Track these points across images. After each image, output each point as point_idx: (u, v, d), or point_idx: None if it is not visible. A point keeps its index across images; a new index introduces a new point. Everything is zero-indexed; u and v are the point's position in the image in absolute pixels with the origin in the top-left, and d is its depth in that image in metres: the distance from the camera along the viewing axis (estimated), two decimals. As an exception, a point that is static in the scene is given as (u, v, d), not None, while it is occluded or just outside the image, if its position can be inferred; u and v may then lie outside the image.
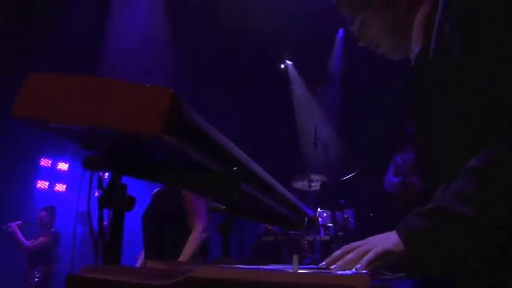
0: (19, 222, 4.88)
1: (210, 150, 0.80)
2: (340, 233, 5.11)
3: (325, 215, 5.49)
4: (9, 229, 4.78)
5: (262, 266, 0.89)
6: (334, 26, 7.06)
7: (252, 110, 6.79)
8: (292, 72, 7.65)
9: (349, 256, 0.88)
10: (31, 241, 4.82)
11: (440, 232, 0.84)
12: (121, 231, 0.96)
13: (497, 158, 0.81)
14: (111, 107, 0.64)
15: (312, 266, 0.99)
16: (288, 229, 4.70)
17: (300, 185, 5.63)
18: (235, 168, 0.87)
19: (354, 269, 0.82)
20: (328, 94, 7.40)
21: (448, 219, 0.83)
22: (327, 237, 5.20)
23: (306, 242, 5.24)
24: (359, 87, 6.74)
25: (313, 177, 5.52)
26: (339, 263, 0.87)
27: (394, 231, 0.90)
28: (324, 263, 0.91)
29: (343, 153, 6.58)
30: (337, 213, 5.31)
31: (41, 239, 4.83)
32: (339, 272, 0.60)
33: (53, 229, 4.99)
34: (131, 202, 0.98)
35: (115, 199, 0.93)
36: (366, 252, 0.87)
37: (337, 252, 0.91)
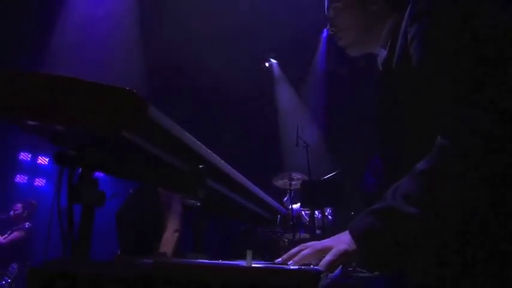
0: (-5, 216, 4.82)
1: (176, 149, 0.83)
2: (318, 231, 5.18)
3: (304, 213, 5.55)
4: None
5: (221, 262, 0.92)
6: (319, 25, 7.11)
7: (234, 108, 6.80)
8: (277, 71, 7.69)
9: (305, 252, 0.91)
10: (4, 236, 4.75)
11: (388, 231, 0.88)
12: (90, 226, 0.98)
13: (441, 160, 0.85)
14: (76, 105, 0.66)
15: (267, 262, 1.02)
16: (262, 226, 4.74)
17: (281, 183, 5.69)
18: (201, 166, 0.91)
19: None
20: (312, 93, 7.47)
21: (396, 219, 0.87)
22: (307, 236, 5.26)
23: (285, 241, 5.29)
24: (343, 87, 6.82)
25: (293, 175, 5.58)
26: (295, 258, 0.90)
27: (347, 232, 0.95)
28: (279, 259, 0.94)
29: (324, 153, 6.66)
30: (316, 211, 5.37)
31: (15, 234, 4.76)
32: (290, 267, 0.63)
33: (27, 223, 4.92)
34: (101, 197, 1.00)
35: (85, 194, 0.95)
36: (322, 250, 0.91)
37: (294, 250, 0.95)
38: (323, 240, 0.96)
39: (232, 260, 1.17)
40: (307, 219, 5.55)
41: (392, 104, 1.09)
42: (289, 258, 0.92)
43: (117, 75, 5.55)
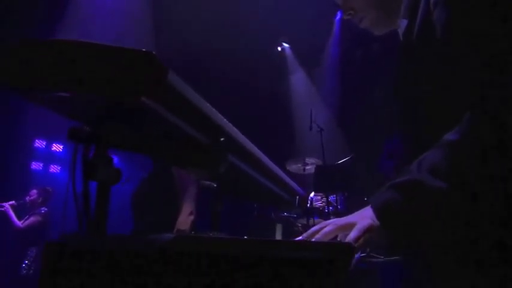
0: (12, 202, 4.87)
1: (195, 119, 0.78)
2: (332, 217, 5.13)
3: (319, 198, 5.50)
4: (2, 209, 4.77)
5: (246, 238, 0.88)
6: (332, 8, 6.96)
7: (247, 92, 6.74)
8: (289, 55, 7.58)
9: (327, 229, 0.87)
10: (21, 221, 4.82)
11: (412, 206, 0.83)
12: (107, 205, 0.95)
13: (472, 130, 0.80)
14: (92, 70, 0.62)
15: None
16: (280, 208, 4.70)
17: (294, 168, 5.63)
18: (222, 139, 0.86)
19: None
20: (325, 77, 7.36)
21: (421, 193, 0.82)
22: (321, 220, 5.21)
23: (299, 225, 5.26)
24: (357, 70, 6.70)
25: (307, 160, 5.52)
26: (317, 236, 0.86)
27: (369, 207, 0.90)
28: (300, 237, 0.90)
29: (339, 137, 6.58)
30: (330, 196, 5.32)
31: (31, 219, 4.83)
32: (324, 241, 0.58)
33: (43, 208, 4.98)
34: (117, 175, 0.96)
35: (100, 171, 0.92)
36: (344, 226, 0.86)
37: (315, 227, 0.90)
38: (345, 217, 0.91)
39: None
40: (321, 204, 5.50)
41: (414, 78, 1.03)
42: (311, 237, 0.87)
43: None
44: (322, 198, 5.43)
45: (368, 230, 0.85)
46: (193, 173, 1.44)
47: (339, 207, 5.41)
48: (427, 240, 0.91)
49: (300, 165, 5.58)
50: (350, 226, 0.86)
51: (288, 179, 1.53)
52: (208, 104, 0.81)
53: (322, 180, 5.17)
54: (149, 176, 2.62)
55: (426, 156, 0.86)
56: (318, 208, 5.44)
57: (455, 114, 0.85)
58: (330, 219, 4.63)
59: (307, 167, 5.57)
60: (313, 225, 3.94)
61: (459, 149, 0.81)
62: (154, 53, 0.61)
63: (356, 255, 1.40)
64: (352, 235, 0.82)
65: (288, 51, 7.55)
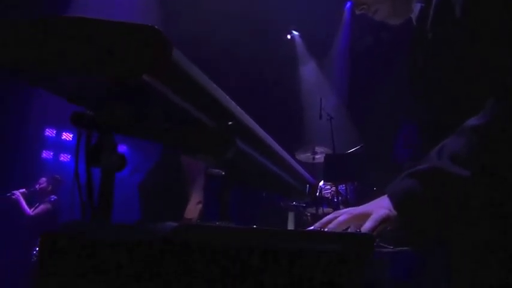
0: (23, 190, 4.90)
1: (202, 100, 0.74)
2: (342, 207, 5.08)
3: (328, 187, 5.46)
4: (13, 197, 4.81)
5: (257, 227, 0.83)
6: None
7: (256, 80, 6.67)
8: (299, 43, 7.49)
9: (341, 218, 0.83)
10: (32, 209, 4.86)
11: (433, 195, 0.78)
12: (111, 192, 0.92)
13: (497, 115, 0.75)
14: (91, 48, 0.57)
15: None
16: (290, 197, 4.67)
17: (304, 157, 5.59)
18: (230, 123, 0.82)
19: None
20: (335, 65, 7.26)
21: (443, 181, 0.78)
22: (330, 210, 5.18)
23: (308, 215, 5.23)
24: (367, 58, 6.59)
25: (317, 149, 5.47)
26: (330, 225, 0.82)
27: (385, 196, 0.85)
28: (312, 227, 0.86)
29: (349, 126, 6.50)
30: (340, 186, 5.27)
31: (41, 207, 4.86)
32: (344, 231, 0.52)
33: (53, 196, 5.01)
34: (122, 162, 0.93)
35: (103, 158, 0.89)
36: (360, 215, 0.82)
37: (328, 216, 0.86)
38: (361, 206, 0.87)
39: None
40: (330, 193, 5.46)
41: (430, 64, 0.97)
42: (325, 226, 0.83)
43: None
44: (331, 188, 5.39)
45: (384, 221, 0.80)
46: (201, 160, 1.41)
47: (348, 196, 5.37)
48: (449, 231, 0.86)
49: (309, 154, 5.53)
50: (365, 216, 0.81)
51: (298, 167, 1.48)
52: (215, 85, 0.77)
53: (332, 170, 5.12)
54: (156, 165, 2.60)
55: (447, 143, 0.81)
56: (327, 197, 5.40)
57: (476, 100, 0.80)
58: (339, 209, 4.61)
59: (317, 156, 5.52)
60: (323, 214, 3.91)
61: (484, 134, 0.76)
62: (157, 27, 0.57)
63: None
64: (367, 225, 0.78)
65: (298, 40, 7.45)
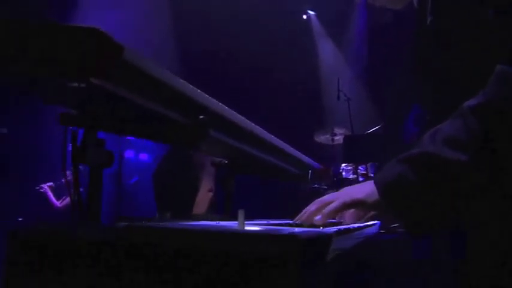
0: (51, 183, 5.09)
1: (166, 97, 0.75)
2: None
3: (349, 168, 5.41)
4: (42, 190, 5.01)
5: (210, 223, 0.82)
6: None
7: (273, 62, 6.61)
8: (315, 23, 7.34)
9: (311, 208, 0.81)
10: (60, 201, 5.05)
11: (424, 182, 0.73)
12: (99, 188, 0.94)
13: (501, 91, 0.69)
14: (37, 50, 0.58)
15: (281, 221, 0.93)
16: (290, 182, 4.64)
17: (323, 138, 5.54)
18: (201, 117, 0.82)
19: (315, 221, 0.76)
20: (353, 44, 7.09)
21: (436, 167, 0.72)
22: (351, 191, 5.13)
23: (329, 196, 5.20)
24: (384, 37, 6.41)
25: (336, 130, 5.41)
26: (302, 217, 0.81)
27: (371, 181, 0.81)
28: (295, 219, 0.85)
29: (368, 106, 6.38)
30: (360, 167, 5.21)
31: (68, 199, 5.04)
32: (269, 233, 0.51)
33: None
34: (110, 158, 0.95)
35: (90, 155, 0.91)
36: (331, 201, 0.80)
37: (307, 207, 0.85)
38: (334, 193, 0.85)
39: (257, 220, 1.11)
40: (351, 175, 5.40)
41: (429, 46, 0.94)
42: (300, 218, 0.82)
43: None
44: (352, 169, 5.33)
45: (353, 205, 0.78)
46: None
47: (371, 175, 5.31)
48: (446, 222, 0.80)
49: (328, 135, 5.48)
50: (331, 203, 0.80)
51: (296, 153, 1.48)
52: (182, 81, 0.77)
53: (352, 151, 5.05)
54: (168, 153, 2.64)
55: (441, 127, 0.75)
56: (348, 179, 5.35)
57: (476, 83, 0.74)
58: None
59: (336, 138, 5.46)
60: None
61: (483, 115, 0.70)
62: (101, 30, 0.57)
63: (376, 223, 1.33)
64: (331, 205, 0.76)
65: (314, 19, 7.31)
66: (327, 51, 7.30)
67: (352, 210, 0.84)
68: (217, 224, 0.67)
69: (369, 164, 5.24)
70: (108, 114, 0.80)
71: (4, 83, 0.84)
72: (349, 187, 0.86)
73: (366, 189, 0.81)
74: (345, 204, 0.78)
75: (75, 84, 0.58)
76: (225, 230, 0.49)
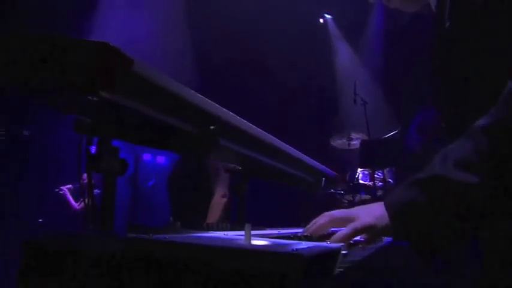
0: (69, 185, 5.18)
1: (177, 108, 0.75)
2: (379, 193, 4.97)
3: (365, 173, 5.35)
4: (61, 192, 5.11)
5: (217, 235, 0.81)
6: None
7: (289, 66, 6.60)
8: (332, 27, 7.31)
9: (320, 221, 0.81)
10: (78, 203, 5.13)
11: (435, 206, 0.71)
12: (113, 196, 0.96)
13: (508, 113, 0.67)
14: (52, 64, 0.60)
15: (291, 231, 0.93)
16: (302, 189, 4.61)
17: (339, 143, 5.50)
18: (212, 127, 0.83)
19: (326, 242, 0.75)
20: (370, 48, 7.03)
21: (447, 191, 0.70)
22: (368, 197, 5.08)
23: (345, 202, 5.16)
24: (402, 41, 6.34)
25: (353, 135, 5.36)
26: (310, 228, 0.80)
27: (381, 203, 0.80)
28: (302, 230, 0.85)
29: (385, 110, 6.31)
30: (377, 172, 5.15)
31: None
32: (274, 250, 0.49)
33: (96, 190, 5.22)
34: (123, 166, 0.96)
35: (104, 162, 0.92)
36: (341, 219, 0.79)
37: (316, 219, 0.84)
38: (348, 210, 0.84)
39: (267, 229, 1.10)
40: (368, 180, 5.35)
41: (447, 52, 0.92)
42: (308, 229, 0.82)
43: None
44: (369, 174, 5.27)
45: (364, 230, 0.77)
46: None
47: (390, 180, 5.24)
48: (457, 245, 0.78)
49: (345, 140, 5.43)
50: (347, 221, 0.78)
51: (309, 161, 1.47)
52: (192, 92, 0.78)
53: (368, 156, 4.99)
54: (183, 157, 2.66)
55: (452, 148, 0.73)
56: (364, 184, 5.30)
57: (493, 95, 0.72)
58: (376, 195, 4.49)
59: (353, 142, 5.41)
60: (360, 201, 3.81)
61: (494, 135, 0.67)
62: (112, 44, 0.58)
63: (387, 239, 1.31)
64: (340, 233, 0.75)
65: (331, 23, 7.28)
66: (343, 54, 7.26)
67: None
68: (224, 237, 0.67)
69: (386, 170, 5.18)
70: (120, 124, 0.81)
71: (21, 92, 0.86)
72: (359, 208, 0.84)
73: (375, 213, 0.79)
74: (356, 231, 0.76)
75: (86, 98, 0.59)
76: (228, 246, 0.49)
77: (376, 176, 5.13)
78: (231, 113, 0.92)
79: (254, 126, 1.04)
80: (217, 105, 0.87)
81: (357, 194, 5.01)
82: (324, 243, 0.68)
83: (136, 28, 5.43)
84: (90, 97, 0.58)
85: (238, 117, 0.96)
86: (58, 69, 0.57)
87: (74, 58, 0.56)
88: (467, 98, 0.87)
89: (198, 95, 0.78)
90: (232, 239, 0.63)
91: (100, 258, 0.56)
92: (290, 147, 1.32)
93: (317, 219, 0.84)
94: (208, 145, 0.80)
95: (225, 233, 0.80)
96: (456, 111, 0.92)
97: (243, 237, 0.60)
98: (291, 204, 5.70)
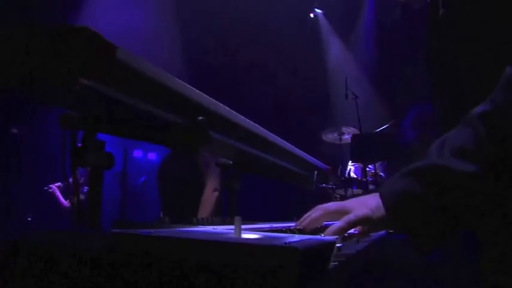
0: (59, 183, 5.11)
1: (165, 99, 0.72)
2: (371, 187, 4.98)
3: (357, 167, 5.36)
4: (50, 190, 5.04)
5: (207, 229, 0.78)
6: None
7: (280, 61, 6.58)
8: (323, 21, 7.29)
9: (314, 214, 0.78)
10: (68, 201, 5.07)
11: (432, 196, 0.68)
12: (99, 190, 0.93)
13: (505, 99, 0.64)
14: (31, 51, 0.57)
15: (284, 225, 0.90)
16: (294, 183, 4.60)
17: (331, 137, 5.50)
18: (200, 118, 0.80)
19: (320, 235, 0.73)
20: (361, 42, 7.03)
21: (444, 180, 0.68)
22: (360, 191, 5.09)
23: (337, 197, 5.16)
24: (393, 35, 6.34)
25: (344, 129, 5.36)
26: (302, 221, 0.78)
27: (376, 194, 0.77)
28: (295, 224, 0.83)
29: (377, 104, 6.32)
30: (368, 166, 5.16)
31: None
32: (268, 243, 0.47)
33: (86, 188, 5.18)
34: (109, 159, 0.93)
35: (90, 156, 0.89)
36: (335, 212, 0.77)
37: (308, 213, 0.82)
38: (342, 202, 0.81)
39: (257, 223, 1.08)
40: (359, 174, 5.36)
41: (440, 42, 0.90)
42: (300, 223, 0.80)
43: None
44: (360, 168, 5.28)
45: (361, 222, 0.74)
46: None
47: (382, 174, 5.26)
48: (455, 236, 0.76)
49: (336, 134, 5.43)
50: (342, 213, 0.76)
51: (301, 154, 1.45)
52: (180, 82, 0.75)
53: (359, 149, 4.99)
54: (172, 152, 2.62)
55: (449, 136, 0.71)
56: (356, 178, 5.30)
57: (488, 85, 0.70)
58: (368, 189, 4.49)
59: (344, 137, 5.41)
60: (352, 195, 3.84)
61: (492, 122, 0.66)
62: (93, 29, 0.55)
63: (381, 232, 1.30)
64: (335, 225, 0.73)
65: (321, 17, 7.26)
66: (334, 49, 7.25)
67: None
68: (213, 231, 0.65)
69: (377, 163, 5.19)
70: (105, 116, 0.78)
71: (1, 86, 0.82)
72: (353, 199, 0.82)
73: (371, 204, 0.76)
74: (350, 224, 0.74)
75: (68, 87, 0.55)
76: (216, 240, 0.46)
77: (367, 169, 5.13)
78: (220, 104, 0.90)
79: (244, 118, 1.01)
80: (206, 95, 0.84)
81: (349, 189, 5.01)
82: (318, 236, 0.65)
83: (128, 24, 5.36)
84: (71, 86, 0.55)
85: (228, 108, 0.93)
86: (39, 58, 0.54)
87: (55, 45, 0.53)
88: (464, 89, 0.85)
89: (186, 84, 0.75)
90: (222, 233, 0.60)
91: (82, 255, 0.53)
92: (281, 140, 1.30)
93: (310, 212, 0.82)
94: (198, 138, 0.77)
95: (215, 227, 0.77)
96: (453, 103, 0.90)
97: (233, 231, 0.58)
98: (283, 199, 5.69)
